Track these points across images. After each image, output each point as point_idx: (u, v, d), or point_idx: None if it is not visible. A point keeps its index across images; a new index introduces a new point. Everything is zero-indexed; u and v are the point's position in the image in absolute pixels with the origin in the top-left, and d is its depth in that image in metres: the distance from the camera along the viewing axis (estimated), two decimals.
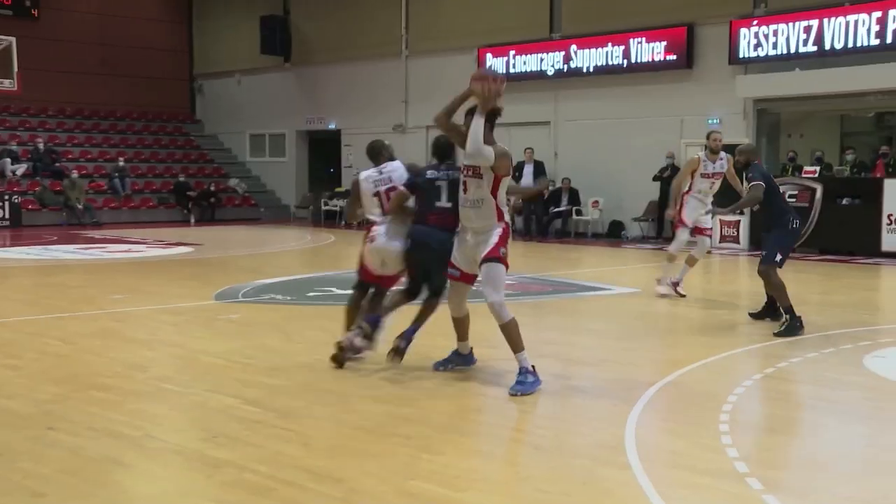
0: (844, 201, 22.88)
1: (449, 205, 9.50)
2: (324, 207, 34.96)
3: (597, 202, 27.75)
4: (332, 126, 36.33)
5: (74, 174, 34.02)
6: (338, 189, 34.89)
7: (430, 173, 9.81)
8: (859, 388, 9.44)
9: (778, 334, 11.44)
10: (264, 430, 7.43)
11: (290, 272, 19.18)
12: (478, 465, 6.85)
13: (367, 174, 10.00)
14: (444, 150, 9.92)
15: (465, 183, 8.85)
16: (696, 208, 15.18)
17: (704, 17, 26.15)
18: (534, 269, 19.69)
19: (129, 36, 38.56)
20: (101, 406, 8.11)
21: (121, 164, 35.73)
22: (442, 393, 8.82)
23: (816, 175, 23.62)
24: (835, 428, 8.27)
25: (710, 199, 15.35)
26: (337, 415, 7.96)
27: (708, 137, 15.67)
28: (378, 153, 10.17)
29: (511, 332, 8.69)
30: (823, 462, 7.25)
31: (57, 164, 34.49)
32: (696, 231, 15.44)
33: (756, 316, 12.60)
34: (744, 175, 12.72)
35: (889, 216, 22.22)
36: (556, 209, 28.49)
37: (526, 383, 8.47)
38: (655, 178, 25.96)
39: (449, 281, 9.21)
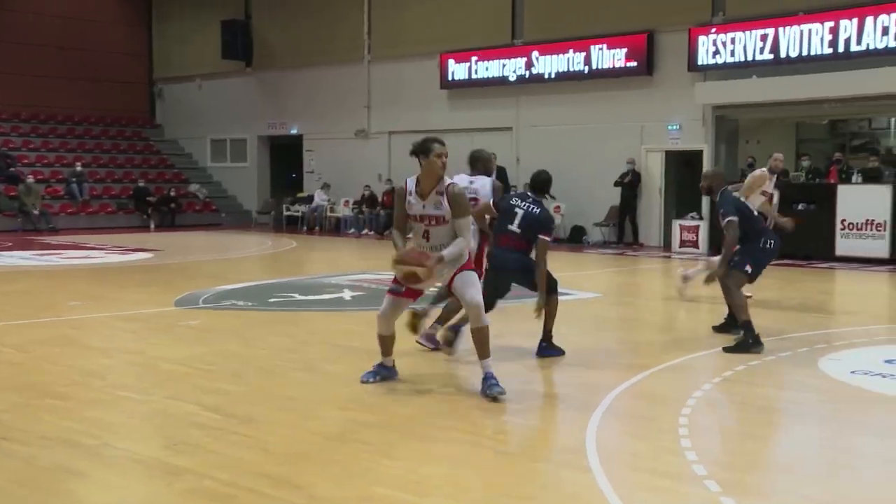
0: (800, 206, 23.07)
1: (519, 230, 10.32)
2: (285, 213, 34.93)
3: (558, 207, 27.81)
4: (294, 131, 36.27)
5: (30, 179, 33.77)
6: (300, 194, 34.91)
7: (512, 199, 10.58)
8: (815, 390, 9.53)
9: (728, 349, 11.25)
10: (224, 436, 7.41)
11: (251, 278, 19.13)
12: (440, 471, 6.85)
13: (459, 178, 10.18)
14: (542, 186, 10.69)
15: (426, 232, 8.84)
16: None
17: (664, 25, 26.30)
18: None
19: (88, 39, 38.37)
20: (56, 415, 8.04)
21: (78, 168, 35.48)
22: (404, 400, 8.82)
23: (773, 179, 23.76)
24: (793, 430, 8.36)
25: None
26: (298, 421, 7.94)
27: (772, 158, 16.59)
28: (476, 161, 10.78)
29: (483, 337, 8.63)
30: (782, 464, 7.32)
31: (12, 169, 34.20)
32: None
33: (719, 329, 12.42)
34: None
35: (843, 221, 22.47)
36: None
37: (497, 386, 8.44)
38: (616, 184, 26.15)
39: (388, 297, 9.16)
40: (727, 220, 11.56)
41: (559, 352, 10.87)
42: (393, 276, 9.12)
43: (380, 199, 31.91)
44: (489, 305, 9.96)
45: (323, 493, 6.10)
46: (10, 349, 11.16)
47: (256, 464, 6.69)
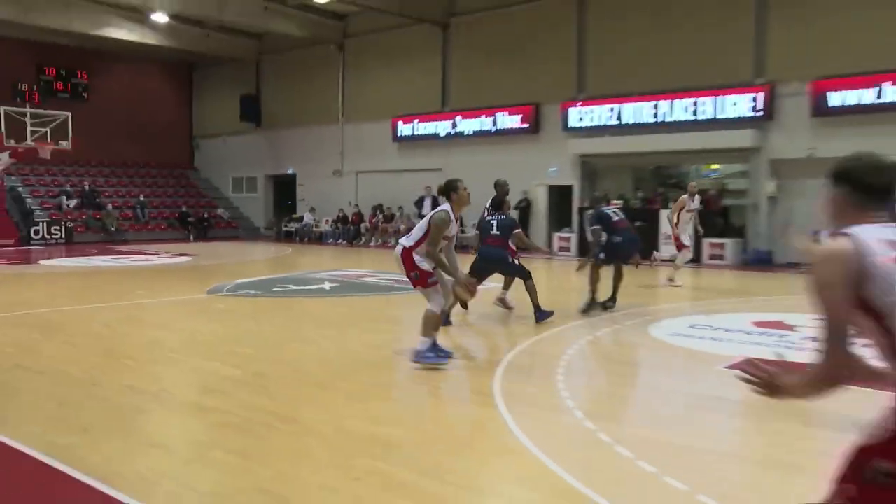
0: (637, 223, 23.36)
1: (499, 233, 11.46)
2: (284, 228, 34.69)
3: (474, 225, 27.91)
4: (290, 171, 36.05)
5: (109, 206, 33.77)
6: (294, 215, 34.81)
7: (487, 216, 12.03)
8: (647, 347, 9.82)
9: (581, 311, 11.97)
10: (243, 386, 7.52)
11: (260, 274, 19.15)
12: (391, 409, 7.02)
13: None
14: (498, 205, 12.07)
15: (447, 248, 8.55)
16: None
17: (546, 100, 26.50)
18: None
19: (148, 109, 37.92)
20: (128, 371, 8.15)
21: (142, 198, 35.18)
22: (368, 360, 8.95)
23: (620, 205, 24.20)
24: (632, 374, 8.59)
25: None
26: (294, 375, 8.04)
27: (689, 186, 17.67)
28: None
29: (431, 320, 8.34)
30: (624, 396, 7.55)
31: (97, 200, 34.04)
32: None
33: (604, 304, 12.52)
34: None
35: (663, 233, 22.84)
36: None
37: (428, 357, 8.30)
38: (515, 208, 26.28)
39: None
40: (591, 228, 12.77)
41: (550, 314, 11.31)
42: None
43: (350, 219, 31.94)
44: (479, 280, 10.60)
45: (313, 424, 6.25)
46: (97, 325, 11.25)
47: (265, 404, 6.82)
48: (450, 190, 8.69)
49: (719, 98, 23.13)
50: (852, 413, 7.08)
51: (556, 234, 25.95)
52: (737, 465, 5.50)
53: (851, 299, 2.68)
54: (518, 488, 5.02)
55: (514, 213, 21.44)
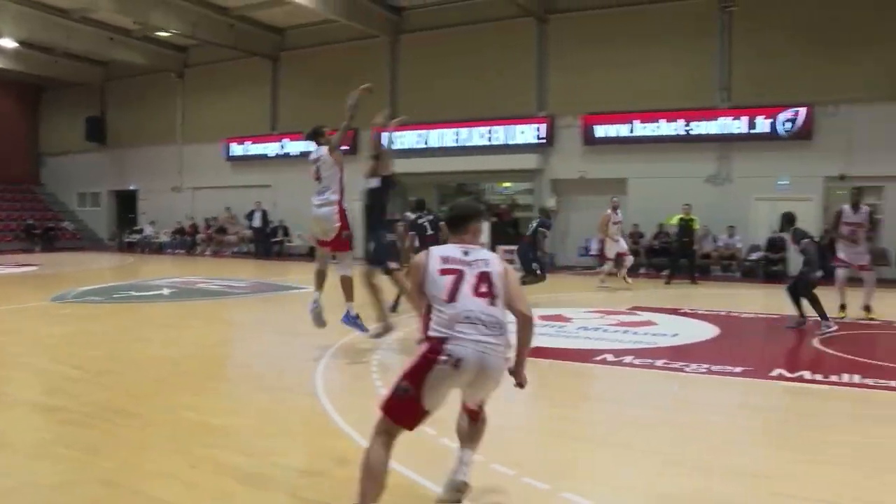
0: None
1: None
2: (126, 239, 33.04)
3: (300, 234, 27.68)
4: (132, 187, 34.49)
5: None
6: (135, 227, 33.29)
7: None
8: None
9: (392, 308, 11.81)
10: (86, 385, 7.15)
11: (103, 282, 18.17)
12: (227, 400, 6.84)
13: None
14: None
15: None
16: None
17: (364, 125, 26.42)
18: (266, 276, 19.56)
19: None
20: None
21: None
22: (203, 357, 8.70)
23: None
24: None
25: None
26: (134, 373, 7.71)
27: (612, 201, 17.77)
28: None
29: (351, 283, 8.59)
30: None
31: None
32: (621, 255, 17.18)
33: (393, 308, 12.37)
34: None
35: None
36: (274, 239, 28.16)
37: (351, 320, 8.49)
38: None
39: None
40: (410, 233, 12.74)
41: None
42: None
43: (186, 230, 30.87)
44: None
45: (153, 418, 6.01)
46: None
47: (108, 401, 6.51)
48: (317, 134, 9.07)
49: (510, 127, 23.99)
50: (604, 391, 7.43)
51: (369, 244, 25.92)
52: (525, 437, 5.67)
53: (420, 288, 4.06)
54: (338, 466, 5.00)
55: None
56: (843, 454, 5.23)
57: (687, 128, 21.62)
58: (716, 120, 21.30)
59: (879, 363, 8.31)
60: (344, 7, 23.91)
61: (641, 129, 22.13)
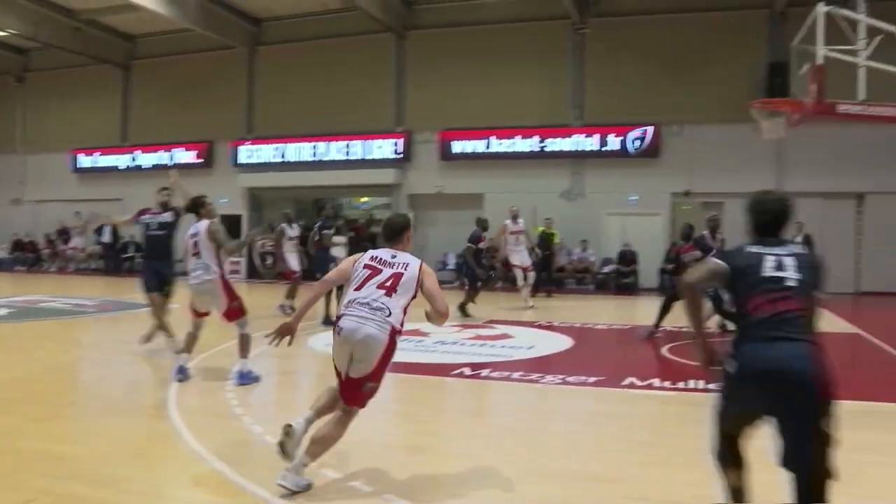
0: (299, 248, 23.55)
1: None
2: None
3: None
4: None
5: None
6: None
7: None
8: (306, 357, 9.73)
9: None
10: None
11: None
12: (71, 426, 6.44)
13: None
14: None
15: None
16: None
17: (219, 138, 25.94)
18: (117, 294, 18.69)
19: None
20: None
21: None
22: (48, 382, 8.18)
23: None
24: (294, 382, 8.49)
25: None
26: None
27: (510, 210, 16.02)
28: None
29: (245, 341, 7.92)
30: (287, 401, 7.45)
31: None
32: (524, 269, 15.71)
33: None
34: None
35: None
36: (125, 255, 26.97)
37: (247, 378, 7.77)
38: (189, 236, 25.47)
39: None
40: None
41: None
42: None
43: (25, 245, 29.05)
44: None
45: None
46: None
47: None
48: (198, 206, 8.28)
49: (368, 142, 23.97)
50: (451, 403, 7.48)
51: (227, 259, 25.32)
52: (383, 452, 5.60)
53: (338, 276, 5.21)
54: (192, 491, 4.82)
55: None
56: (691, 457, 5.44)
57: (542, 144, 22.25)
58: (569, 137, 22.02)
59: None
60: (200, 16, 23.25)
61: (497, 145, 22.62)
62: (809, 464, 3.57)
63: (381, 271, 4.98)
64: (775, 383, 3.56)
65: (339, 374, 4.94)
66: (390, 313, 4.85)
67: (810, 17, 9.41)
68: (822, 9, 9.21)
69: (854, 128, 18.31)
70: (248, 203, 25.83)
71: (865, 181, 20.30)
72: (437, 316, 5.05)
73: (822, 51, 9.13)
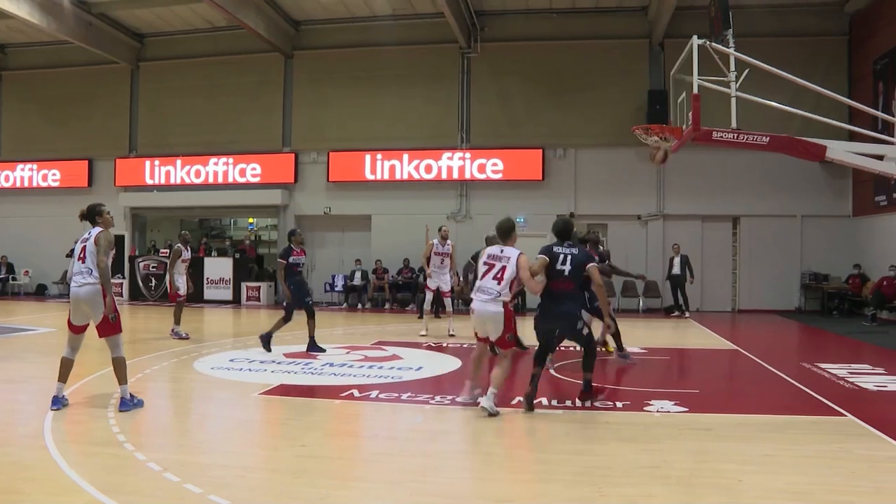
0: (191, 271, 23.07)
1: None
2: None
3: (27, 271, 25.61)
4: None
5: None
6: None
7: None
8: (191, 381, 9.48)
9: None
10: None
11: None
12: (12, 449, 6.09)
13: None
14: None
15: None
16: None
17: (100, 156, 25.08)
18: None
19: None
20: None
21: None
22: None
23: (167, 254, 23.62)
24: (178, 406, 8.25)
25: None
26: None
27: (440, 230, 14.82)
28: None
29: (120, 366, 7.56)
30: (171, 426, 7.22)
31: None
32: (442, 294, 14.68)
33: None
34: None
35: (208, 279, 22.69)
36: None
37: (129, 404, 7.45)
38: (67, 256, 24.48)
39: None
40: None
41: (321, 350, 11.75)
42: None
43: None
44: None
45: None
46: None
47: None
48: (94, 214, 7.85)
49: (254, 162, 23.65)
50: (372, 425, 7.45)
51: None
52: (271, 476, 5.51)
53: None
54: None
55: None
56: (579, 472, 5.56)
57: (429, 166, 22.40)
58: (456, 160, 22.26)
59: (611, 387, 8.96)
60: (78, 28, 22.40)
61: (386, 166, 22.66)
62: (558, 341, 8.56)
63: (494, 266, 7.53)
64: (556, 320, 7.84)
65: (479, 337, 7.82)
66: (500, 294, 7.44)
67: (686, 49, 9.84)
68: (696, 41, 9.65)
69: (729, 155, 19.25)
70: (131, 223, 25.03)
71: (740, 205, 21.31)
72: (531, 292, 7.78)
73: (697, 80, 9.55)
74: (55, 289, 25.35)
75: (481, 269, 7.57)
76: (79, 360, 7.83)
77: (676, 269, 20.15)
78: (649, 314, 20.46)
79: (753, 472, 5.62)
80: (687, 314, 19.65)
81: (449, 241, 14.77)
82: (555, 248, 7.83)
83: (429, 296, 14.85)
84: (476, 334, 7.81)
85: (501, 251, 7.55)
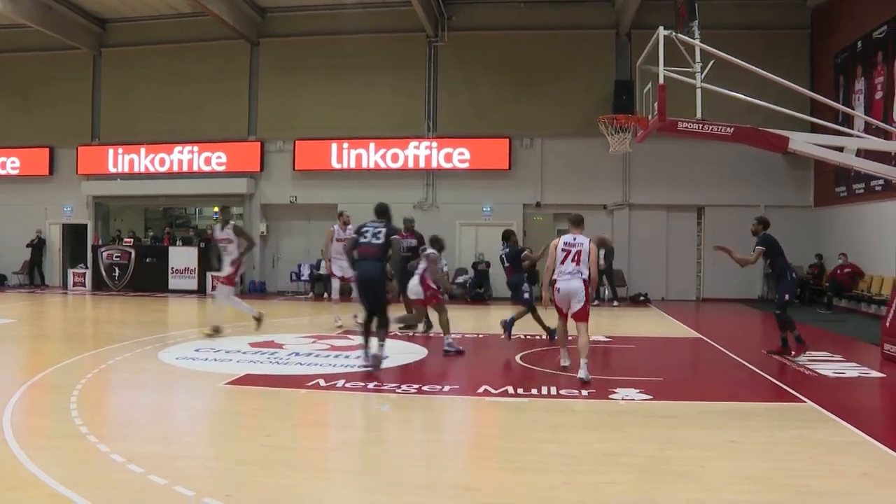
0: (148, 259, 22.82)
1: None
2: None
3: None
4: None
5: None
6: None
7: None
8: (156, 371, 9.37)
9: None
10: None
11: None
12: None
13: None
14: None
15: None
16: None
17: (61, 143, 24.65)
18: None
19: None
20: None
21: None
22: None
23: (131, 243, 23.39)
24: (142, 397, 8.17)
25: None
26: None
27: (341, 216, 14.23)
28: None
29: None
30: (135, 418, 7.14)
31: None
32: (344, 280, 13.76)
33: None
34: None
35: (173, 268, 22.55)
36: None
37: None
38: (28, 246, 24.20)
39: None
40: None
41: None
42: None
43: None
44: None
45: None
46: None
47: None
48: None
49: (219, 150, 23.42)
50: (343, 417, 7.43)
51: (71, 271, 24.13)
52: (236, 468, 5.49)
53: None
54: None
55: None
56: (544, 460, 5.61)
57: (396, 155, 22.35)
58: (423, 149, 22.23)
59: (571, 375, 9.03)
60: (37, 12, 21.80)
61: (352, 155, 22.56)
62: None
63: (570, 251, 8.99)
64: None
65: (562, 312, 9.23)
66: (581, 272, 8.91)
67: (653, 39, 9.91)
68: (662, 31, 9.73)
69: (694, 145, 19.39)
70: (94, 212, 24.68)
71: (705, 195, 21.52)
72: (594, 276, 9.04)
73: (663, 71, 9.63)
74: (15, 279, 24.97)
75: (560, 255, 9.01)
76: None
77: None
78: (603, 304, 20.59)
79: (716, 459, 5.71)
80: (615, 303, 20.04)
81: (350, 227, 13.37)
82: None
83: (335, 283, 14.25)
84: (560, 311, 9.22)
85: (574, 239, 9.04)
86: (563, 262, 8.96)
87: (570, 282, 8.88)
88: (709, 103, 10.05)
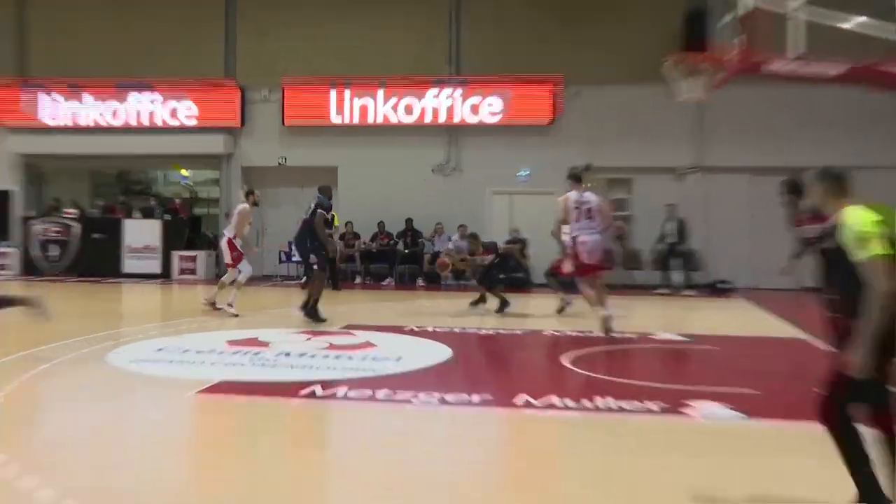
0: (96, 236, 22.80)
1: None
2: None
3: None
4: None
5: None
6: None
7: None
8: (105, 378, 9.22)
9: None
10: None
11: None
12: None
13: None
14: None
15: None
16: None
17: None
18: None
19: None
20: None
21: None
22: None
23: (76, 215, 23.34)
24: (84, 412, 8.00)
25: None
26: None
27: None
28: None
29: None
30: (74, 440, 6.94)
31: None
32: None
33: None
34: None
35: (128, 247, 22.53)
36: None
37: None
38: None
39: None
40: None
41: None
42: None
43: None
44: None
45: None
46: None
47: None
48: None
49: (189, 100, 23.37)
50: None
51: None
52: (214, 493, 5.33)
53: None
54: None
55: None
56: (588, 491, 5.41)
57: (410, 106, 22.17)
58: (444, 98, 22.02)
59: (634, 382, 8.82)
60: None
61: (356, 106, 22.35)
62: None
63: (580, 208, 11.78)
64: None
65: (585, 269, 12.02)
66: (597, 227, 11.87)
67: None
68: None
69: (789, 91, 19.02)
70: (24, 175, 24.63)
71: (802, 154, 21.15)
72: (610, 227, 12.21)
73: None
74: None
75: (574, 212, 11.99)
76: None
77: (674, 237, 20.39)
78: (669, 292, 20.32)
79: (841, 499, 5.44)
80: (690, 292, 19.91)
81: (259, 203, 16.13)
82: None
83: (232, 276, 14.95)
84: (582, 268, 12.12)
85: (582, 195, 12.13)
86: (578, 220, 12.03)
87: (592, 234, 11.99)
88: (813, 34, 9.78)
